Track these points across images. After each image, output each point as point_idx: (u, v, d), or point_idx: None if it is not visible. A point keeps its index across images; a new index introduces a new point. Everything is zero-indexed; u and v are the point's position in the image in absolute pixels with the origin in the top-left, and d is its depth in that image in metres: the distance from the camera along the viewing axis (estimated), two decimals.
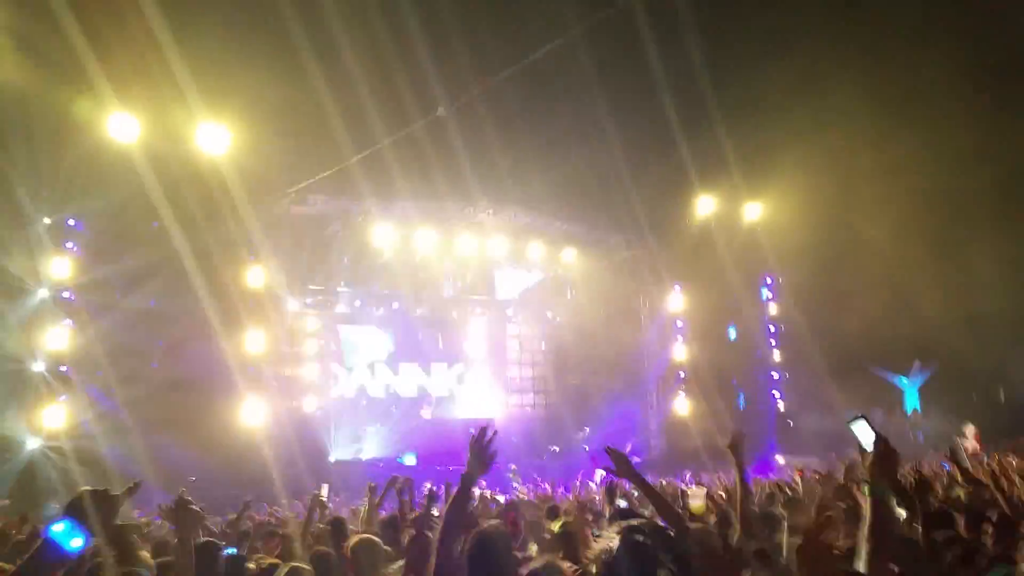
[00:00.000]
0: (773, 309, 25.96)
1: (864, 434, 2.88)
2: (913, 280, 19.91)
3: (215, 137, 16.23)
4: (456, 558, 3.28)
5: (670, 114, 18.23)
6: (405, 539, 5.22)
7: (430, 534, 4.85)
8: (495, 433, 3.51)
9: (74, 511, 2.00)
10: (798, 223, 21.17)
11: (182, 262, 15.28)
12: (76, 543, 1.97)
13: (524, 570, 3.63)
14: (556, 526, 5.64)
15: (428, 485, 7.48)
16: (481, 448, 3.45)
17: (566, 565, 3.73)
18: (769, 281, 26.00)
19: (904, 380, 24.72)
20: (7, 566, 4.31)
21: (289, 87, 16.14)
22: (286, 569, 5.03)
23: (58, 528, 1.96)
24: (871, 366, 23.84)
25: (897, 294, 20.32)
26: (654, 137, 19.63)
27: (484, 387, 26.07)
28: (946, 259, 19.54)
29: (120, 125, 15.21)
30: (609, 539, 2.91)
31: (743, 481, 4.49)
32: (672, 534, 3.43)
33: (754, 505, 6.64)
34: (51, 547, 1.94)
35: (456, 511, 3.38)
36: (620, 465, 4.23)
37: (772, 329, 25.94)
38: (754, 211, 23.43)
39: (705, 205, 22.96)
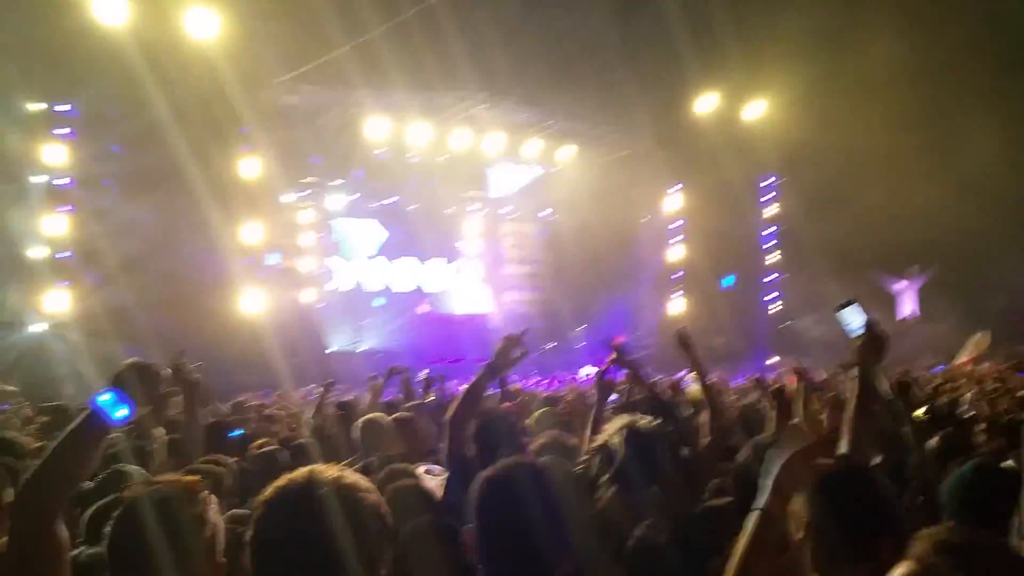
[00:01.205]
0: (773, 210, 25.81)
1: (854, 318, 2.85)
2: (918, 183, 19.71)
3: (204, 21, 15.64)
4: (466, 440, 3.34)
5: (671, 5, 17.60)
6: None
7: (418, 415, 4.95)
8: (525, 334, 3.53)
9: (120, 382, 2.02)
10: (801, 121, 20.74)
11: (177, 152, 14.97)
12: (122, 413, 1.99)
13: (531, 446, 3.69)
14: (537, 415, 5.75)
15: (425, 372, 7.65)
16: (513, 345, 3.46)
17: (572, 441, 3.79)
18: (770, 181, 25.73)
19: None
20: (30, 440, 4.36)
21: None
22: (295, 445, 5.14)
23: (105, 398, 1.98)
24: (870, 270, 23.88)
25: (900, 197, 20.16)
26: (656, 30, 18.94)
27: (480, 283, 26.19)
28: (953, 165, 19.26)
29: (107, 6, 14.59)
30: (612, 435, 2.93)
31: (700, 371, 4.52)
32: (670, 430, 3.47)
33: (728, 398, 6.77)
34: (97, 416, 1.96)
35: (472, 397, 3.41)
36: (620, 355, 4.25)
37: (771, 231, 25.86)
38: (756, 109, 22.96)
39: (707, 102, 22.49)
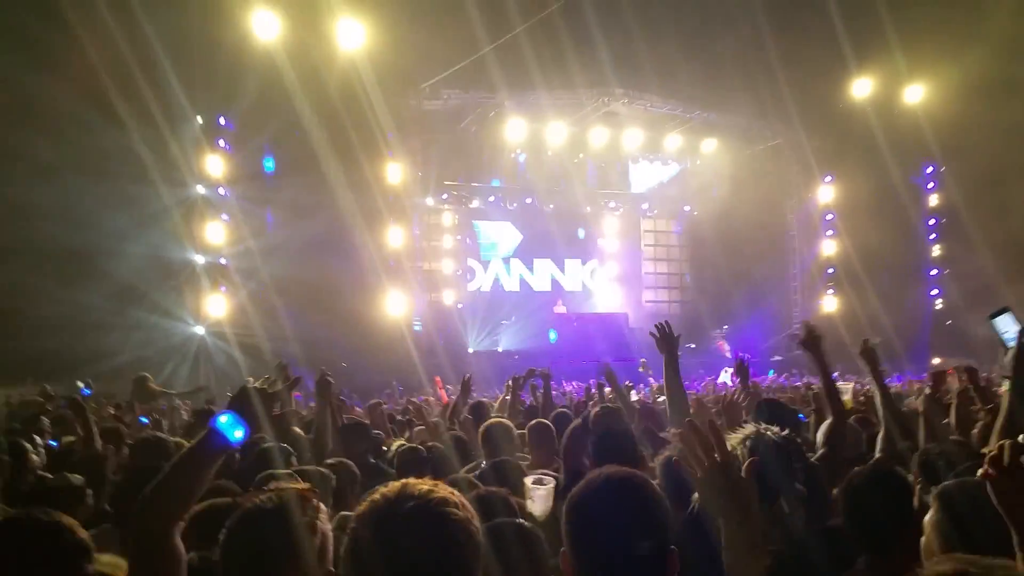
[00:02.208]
0: (934, 200, 23.99)
1: (1006, 327, 2.73)
2: None
3: (352, 32, 16.30)
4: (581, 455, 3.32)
5: None
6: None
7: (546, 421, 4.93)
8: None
9: (237, 404, 2.12)
10: (966, 105, 19.10)
11: (325, 158, 15.71)
12: (238, 434, 2.09)
13: (658, 457, 3.56)
14: None
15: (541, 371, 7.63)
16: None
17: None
18: (930, 170, 23.92)
19: None
20: (184, 441, 4.69)
21: None
22: (421, 445, 5.24)
23: (223, 420, 2.08)
24: None
25: None
26: (803, 9, 17.97)
27: (617, 283, 25.93)
28: None
29: (262, 23, 15.51)
30: (735, 445, 2.76)
31: (881, 383, 4.14)
32: (799, 442, 3.24)
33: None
34: (216, 436, 2.07)
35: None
36: (811, 339, 4.01)
37: (932, 222, 24.06)
38: (915, 93, 21.39)
39: (861, 87, 21.18)
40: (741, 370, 5.29)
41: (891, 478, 2.64)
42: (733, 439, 2.87)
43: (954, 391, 6.13)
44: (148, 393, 7.87)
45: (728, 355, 21.06)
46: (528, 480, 3.15)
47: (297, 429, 5.02)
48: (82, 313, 13.28)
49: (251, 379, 2.30)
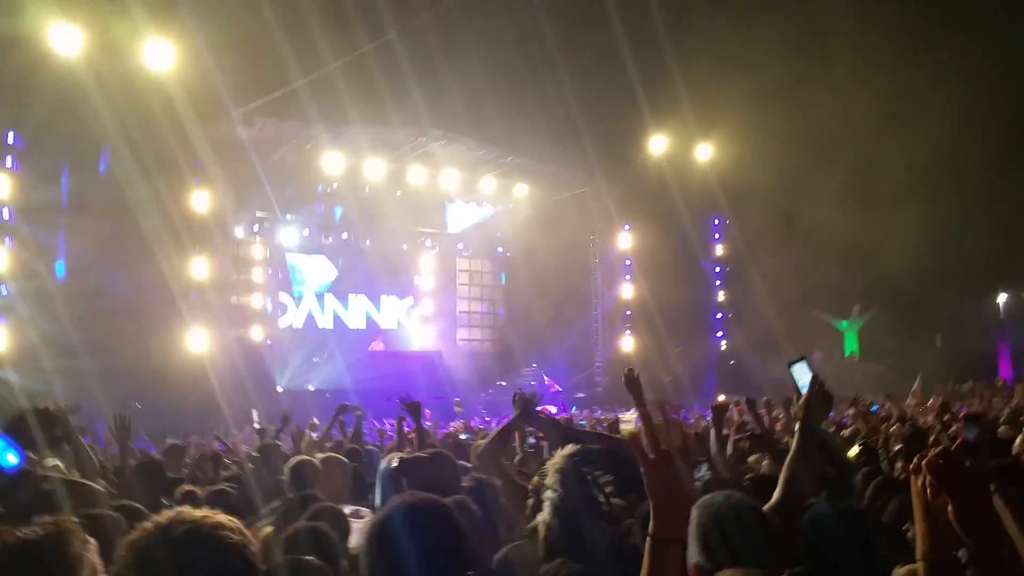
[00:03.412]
0: (720, 250, 26.39)
1: (802, 375, 2.97)
2: (861, 226, 20.38)
3: (160, 53, 15.54)
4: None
5: (624, 51, 18.10)
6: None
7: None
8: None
9: (11, 429, 2.01)
10: (748, 164, 21.35)
11: (126, 182, 14.73)
12: (11, 459, 1.97)
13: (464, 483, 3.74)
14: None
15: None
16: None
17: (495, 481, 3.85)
18: (717, 222, 26.33)
19: (844, 323, 25.58)
20: None
21: (238, 3, 15.47)
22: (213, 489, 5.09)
23: None
24: (813, 309, 24.51)
25: (844, 238, 20.81)
26: (609, 74, 19.48)
27: (433, 321, 26.15)
28: (895, 206, 19.97)
29: (62, 36, 14.42)
30: (548, 474, 3.00)
31: (643, 413, 4.62)
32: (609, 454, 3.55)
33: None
34: None
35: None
36: (524, 410, 4.29)
37: (718, 270, 26.41)
38: (705, 152, 23.54)
39: (657, 144, 23.00)
40: (522, 403, 5.52)
41: None
42: (549, 467, 3.10)
43: (732, 425, 6.87)
44: None
45: (555, 388, 21.88)
46: (347, 511, 3.23)
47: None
48: None
49: (32, 404, 2.18)
